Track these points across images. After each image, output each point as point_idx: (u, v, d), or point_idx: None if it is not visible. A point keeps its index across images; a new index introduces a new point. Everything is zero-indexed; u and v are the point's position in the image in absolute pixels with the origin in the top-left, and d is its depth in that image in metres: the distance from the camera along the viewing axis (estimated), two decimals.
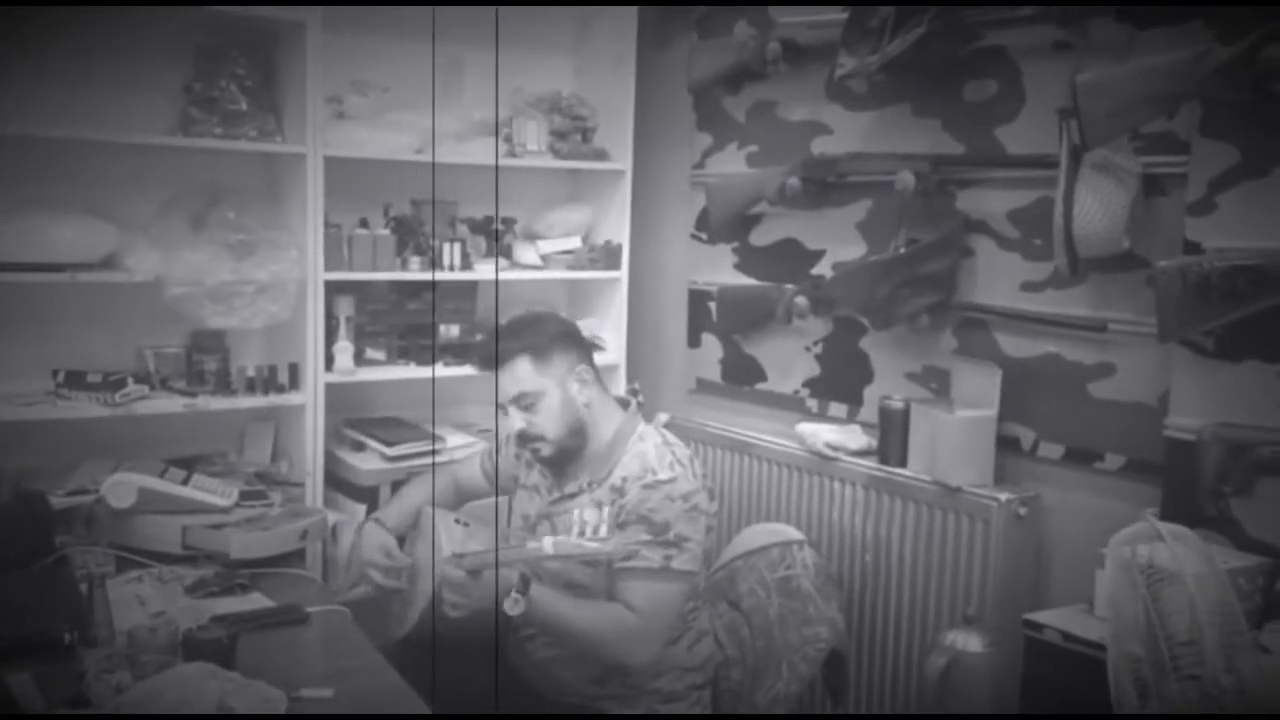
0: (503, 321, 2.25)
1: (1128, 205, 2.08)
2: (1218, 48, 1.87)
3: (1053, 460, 2.35)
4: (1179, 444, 2.00)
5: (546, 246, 3.14)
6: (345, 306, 2.81)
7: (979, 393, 2.42)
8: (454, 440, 2.96)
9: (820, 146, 2.79)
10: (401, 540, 2.28)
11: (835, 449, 2.64)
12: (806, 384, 2.90)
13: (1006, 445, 2.41)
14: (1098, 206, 2.09)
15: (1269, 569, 1.85)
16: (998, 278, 2.43)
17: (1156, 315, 1.97)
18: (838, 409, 2.82)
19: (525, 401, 2.11)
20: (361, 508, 2.74)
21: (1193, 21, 2.00)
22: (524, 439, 2.14)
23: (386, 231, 2.85)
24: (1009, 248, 2.41)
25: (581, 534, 1.83)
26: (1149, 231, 2.12)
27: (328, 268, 2.72)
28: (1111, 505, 2.20)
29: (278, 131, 2.69)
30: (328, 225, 2.73)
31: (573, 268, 3.14)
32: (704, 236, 3.17)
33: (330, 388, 2.77)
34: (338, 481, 2.85)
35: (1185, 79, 1.90)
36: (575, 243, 3.16)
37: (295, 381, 2.74)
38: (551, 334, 2.16)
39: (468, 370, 2.77)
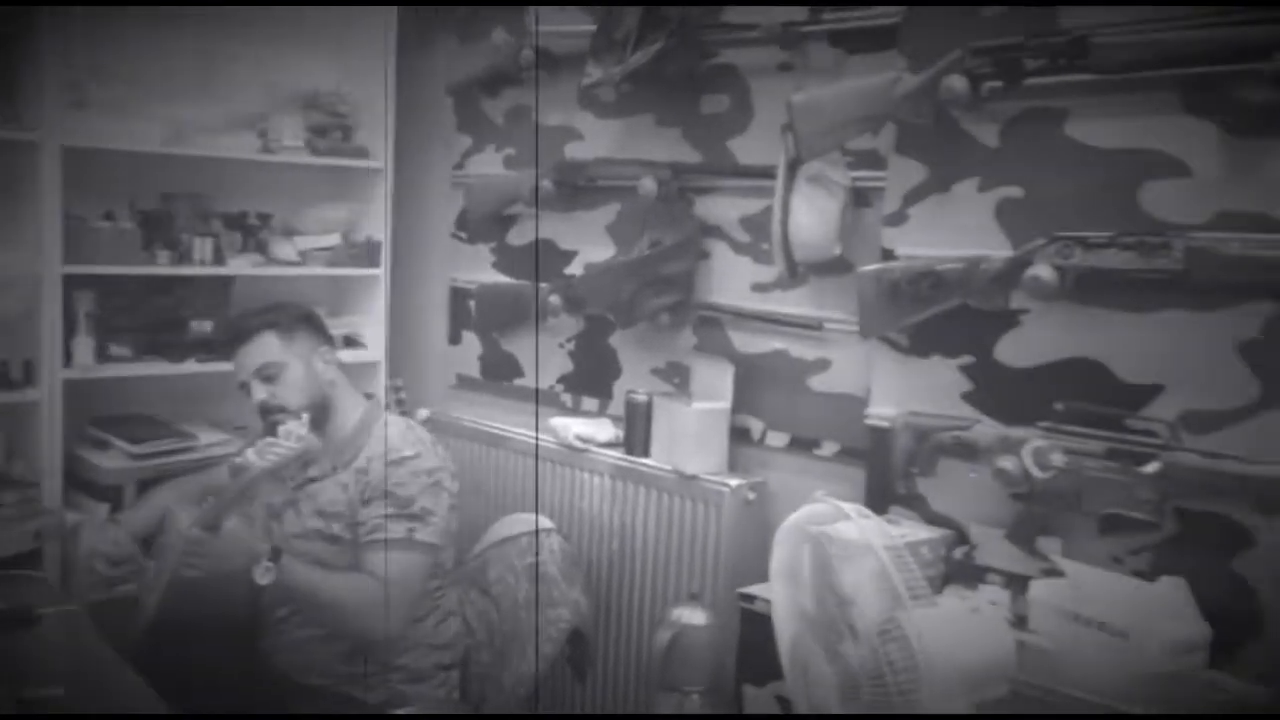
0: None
1: (838, 214, 2.30)
2: (907, 76, 2.09)
3: (778, 448, 2.55)
4: (878, 431, 2.22)
5: (305, 243, 3.14)
6: (86, 301, 2.73)
7: (715, 387, 2.60)
8: (206, 438, 2.93)
9: (572, 151, 2.92)
10: (148, 544, 2.26)
11: (585, 441, 2.77)
12: (561, 379, 3.02)
13: (739, 435, 2.59)
14: (812, 215, 2.29)
15: (949, 540, 2.09)
16: (731, 279, 2.61)
17: (858, 315, 2.18)
18: (590, 403, 2.95)
19: (267, 372, 2.17)
20: (105, 507, 2.68)
21: (890, 50, 2.22)
22: (265, 410, 2.18)
23: (131, 225, 2.79)
24: (741, 252, 2.59)
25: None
26: (857, 239, 2.33)
27: (67, 261, 2.64)
28: (828, 488, 2.41)
29: (13, 119, 2.59)
30: (68, 217, 2.65)
31: (332, 264, 3.15)
32: (464, 236, 3.24)
33: (72, 384, 2.70)
34: (81, 481, 2.77)
35: (882, 102, 2.12)
36: (335, 240, 3.17)
37: (30, 378, 2.65)
38: (295, 315, 2.24)
39: (222, 366, 2.74)
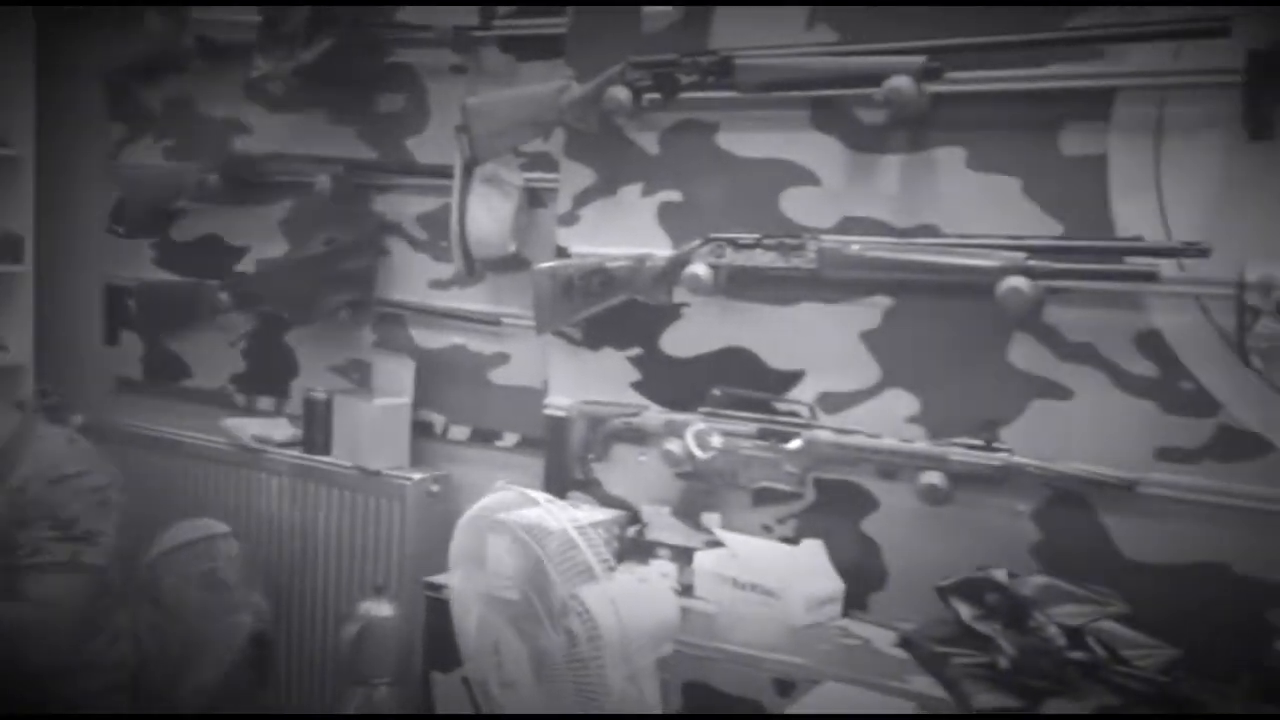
0: None
1: (512, 214, 2.39)
2: (574, 84, 2.22)
3: (461, 441, 2.62)
4: (555, 420, 2.34)
5: None
6: None
7: (396, 382, 2.63)
8: None
9: (241, 145, 2.84)
10: None
11: (262, 441, 2.71)
12: (234, 379, 2.92)
13: (421, 430, 2.63)
14: (487, 214, 2.38)
15: (623, 520, 2.24)
16: (411, 276, 2.64)
17: (533, 310, 2.29)
18: (265, 403, 2.88)
19: None
20: None
21: (558, 59, 2.34)
22: None
23: None
24: (420, 249, 2.63)
25: None
26: (533, 237, 2.44)
27: None
28: (510, 477, 2.50)
29: None
30: None
31: None
32: (120, 230, 3.06)
33: None
34: None
35: (551, 108, 2.24)
36: None
37: None
38: None
39: None
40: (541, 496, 1.92)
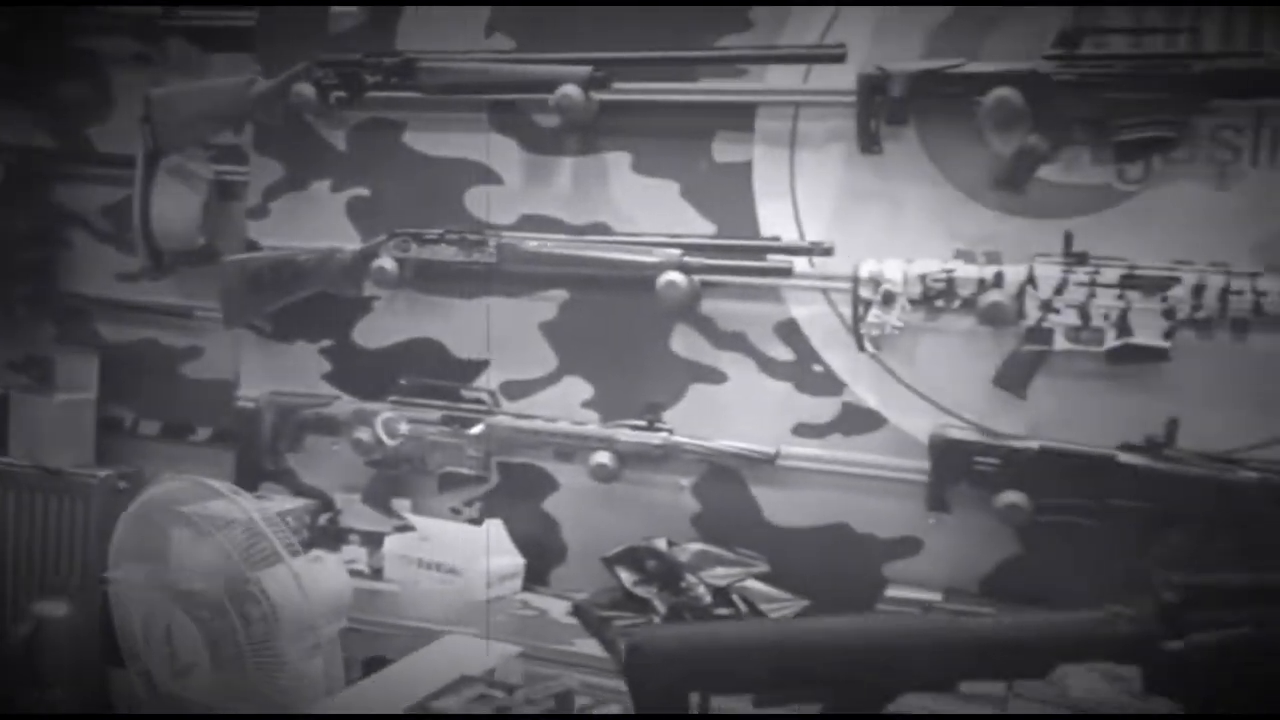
0: None
1: (200, 206, 2.38)
2: (260, 79, 2.24)
3: (151, 436, 2.57)
4: (245, 412, 2.35)
5: None
6: None
7: (80, 378, 2.54)
8: None
9: None
10: None
11: None
12: None
13: (109, 426, 2.56)
14: (173, 206, 2.36)
15: (314, 508, 2.28)
16: (95, 269, 2.57)
17: (220, 303, 2.29)
18: None
19: None
20: None
21: (247, 53, 2.34)
22: None
23: None
24: (104, 241, 2.57)
25: None
26: (225, 230, 2.43)
27: None
28: (203, 471, 2.47)
29: None
30: None
31: None
32: None
33: None
34: None
35: (238, 102, 2.25)
36: None
37: None
38: None
39: None
40: (225, 487, 1.95)
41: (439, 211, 2.21)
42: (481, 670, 1.61)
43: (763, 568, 1.99)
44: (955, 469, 1.88)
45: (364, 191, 2.28)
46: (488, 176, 2.19)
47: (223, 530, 1.88)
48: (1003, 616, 1.31)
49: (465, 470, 2.18)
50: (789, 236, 2.01)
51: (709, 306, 2.07)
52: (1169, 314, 1.75)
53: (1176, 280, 1.74)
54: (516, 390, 2.20)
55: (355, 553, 2.19)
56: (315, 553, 1.89)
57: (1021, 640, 0.92)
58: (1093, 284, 1.79)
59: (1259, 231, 1.77)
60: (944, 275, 1.86)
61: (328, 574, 1.85)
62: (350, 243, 2.24)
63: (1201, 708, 0.91)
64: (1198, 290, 1.73)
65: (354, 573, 2.11)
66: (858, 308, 1.90)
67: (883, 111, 1.89)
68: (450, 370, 2.24)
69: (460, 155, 2.21)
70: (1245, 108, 1.76)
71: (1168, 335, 1.76)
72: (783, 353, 2.04)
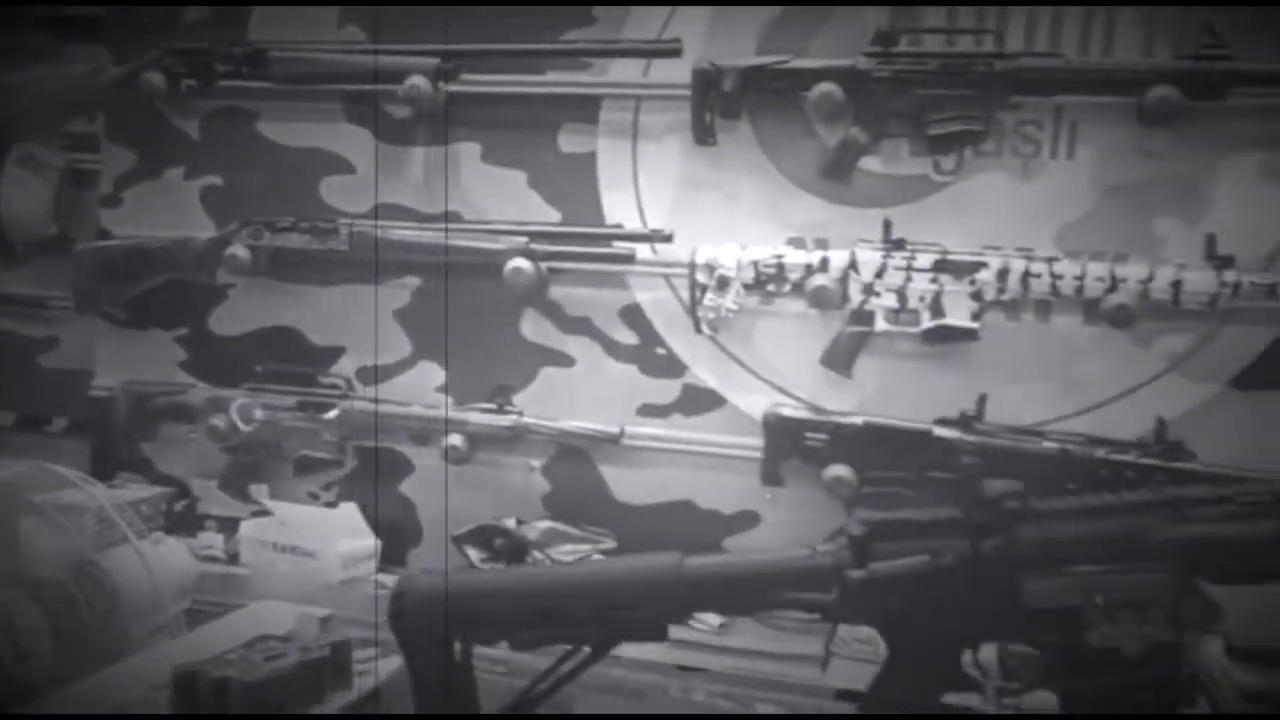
0: None
1: (52, 195, 2.37)
2: (111, 67, 2.24)
3: (5, 428, 2.55)
4: (100, 401, 2.34)
5: None
6: None
7: None
8: None
9: None
10: None
11: None
12: None
13: None
14: (24, 195, 2.34)
15: (170, 495, 2.28)
16: None
17: (73, 292, 2.29)
18: None
19: None
20: None
21: (98, 43, 2.34)
22: None
23: None
24: None
25: None
26: (79, 219, 2.42)
27: None
28: (61, 462, 2.46)
29: None
30: None
31: None
32: None
33: None
34: None
35: (87, 89, 2.25)
36: None
37: None
38: None
39: None
40: (76, 475, 1.95)
41: (294, 200, 2.24)
42: (284, 631, 1.66)
43: (610, 544, 2.07)
44: (787, 445, 1.98)
45: (217, 180, 2.29)
46: (341, 165, 2.22)
47: (72, 518, 1.89)
48: (731, 557, 1.40)
49: (322, 455, 2.22)
50: (632, 224, 2.09)
51: (557, 292, 2.14)
52: (977, 296, 1.87)
53: (984, 265, 1.87)
54: (372, 376, 2.24)
55: (211, 539, 2.21)
56: (157, 534, 1.91)
57: (738, 577, 1.01)
58: (909, 268, 1.90)
59: (1057, 220, 1.90)
60: (774, 261, 1.96)
61: (172, 555, 1.87)
62: (204, 231, 2.26)
63: (883, 625, 1.01)
64: (1002, 274, 1.85)
65: (210, 558, 2.15)
66: (694, 292, 1.99)
67: (717, 105, 1.98)
68: (306, 356, 2.27)
69: (314, 145, 2.24)
70: (1045, 104, 1.89)
71: (976, 316, 1.88)
72: (627, 336, 2.12)
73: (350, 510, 2.18)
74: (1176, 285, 1.78)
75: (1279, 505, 1.01)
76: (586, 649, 1.00)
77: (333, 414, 2.19)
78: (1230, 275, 1.76)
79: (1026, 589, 1.01)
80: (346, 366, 2.25)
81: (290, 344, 2.28)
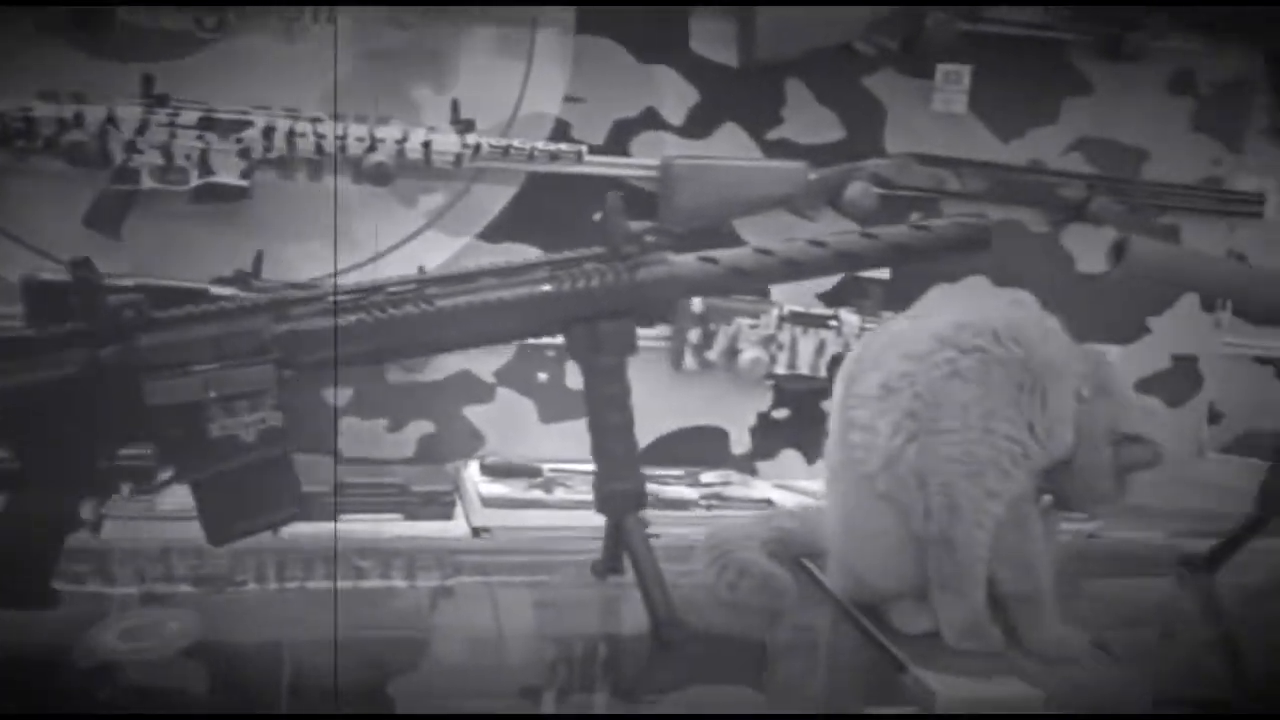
0: None
1: None
2: None
3: None
4: None
5: None
6: None
7: None
8: None
9: None
10: None
11: None
12: None
13: None
14: None
15: None
16: None
17: None
18: None
19: None
20: None
21: None
22: None
23: None
24: None
25: None
26: None
27: None
28: None
29: None
30: None
31: None
32: None
33: None
34: None
35: None
36: None
37: None
38: None
39: None
40: None
41: None
42: None
43: None
44: (51, 312, 1.87)
45: None
46: None
47: None
48: None
49: None
50: None
51: None
52: (245, 154, 1.90)
53: (250, 123, 1.90)
54: None
55: None
56: None
57: None
58: (173, 125, 1.87)
59: (324, 80, 1.98)
60: (21, 115, 1.82)
61: None
62: None
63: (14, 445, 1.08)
64: (268, 132, 1.90)
65: None
66: None
67: None
68: None
69: None
70: None
71: (246, 174, 1.91)
72: None
73: None
74: (427, 146, 1.95)
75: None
76: None
77: None
78: (472, 138, 1.97)
79: (146, 389, 1.09)
80: None
81: None
